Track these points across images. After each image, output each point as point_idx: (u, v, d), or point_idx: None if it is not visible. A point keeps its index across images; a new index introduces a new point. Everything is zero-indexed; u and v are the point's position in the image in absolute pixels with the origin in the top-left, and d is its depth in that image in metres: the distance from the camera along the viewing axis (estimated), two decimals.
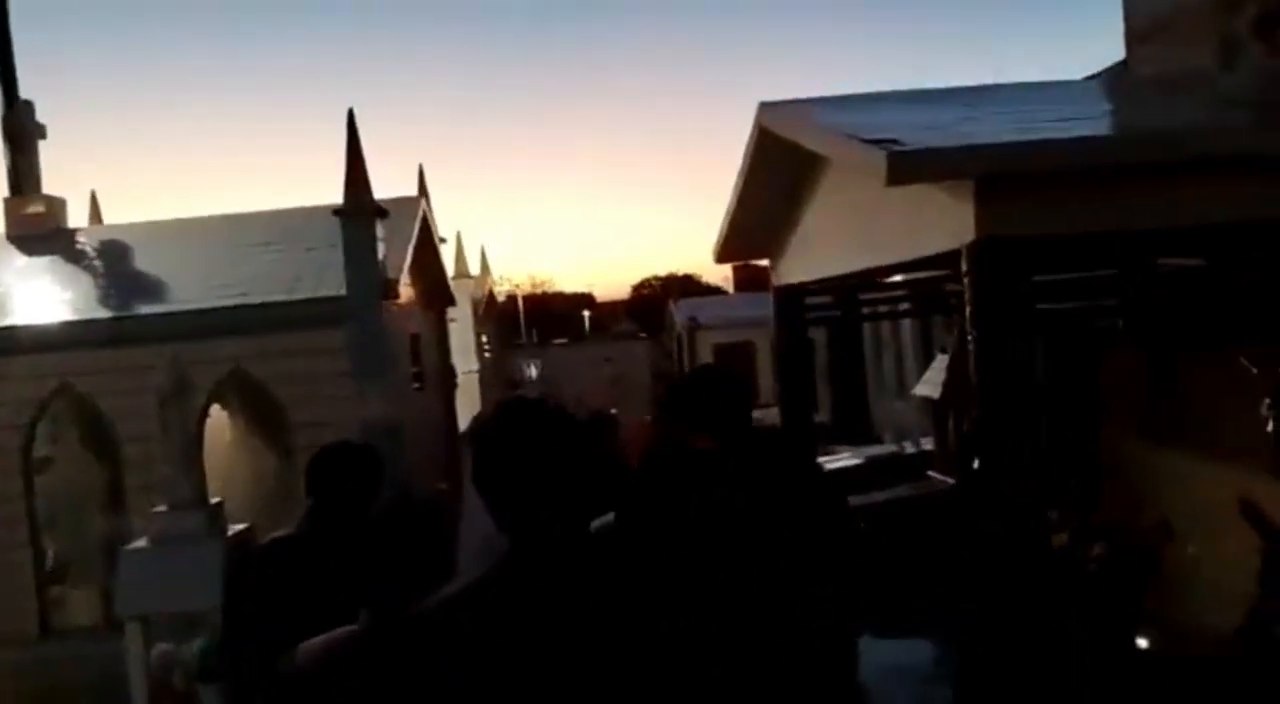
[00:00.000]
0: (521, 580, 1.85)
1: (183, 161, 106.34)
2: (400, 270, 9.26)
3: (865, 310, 9.40)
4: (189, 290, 9.11)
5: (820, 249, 7.03)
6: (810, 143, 6.01)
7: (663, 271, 62.69)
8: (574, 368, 29.27)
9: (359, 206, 8.60)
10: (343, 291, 8.58)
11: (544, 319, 47.70)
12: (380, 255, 8.80)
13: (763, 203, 7.50)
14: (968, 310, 4.21)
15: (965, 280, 4.20)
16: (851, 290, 8.60)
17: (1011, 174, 4.08)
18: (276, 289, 8.98)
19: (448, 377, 12.01)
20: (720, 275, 59.93)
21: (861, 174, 4.79)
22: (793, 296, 7.99)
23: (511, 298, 40.88)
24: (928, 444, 11.04)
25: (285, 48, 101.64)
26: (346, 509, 3.44)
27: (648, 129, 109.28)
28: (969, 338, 4.25)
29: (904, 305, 9.28)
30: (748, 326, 23.65)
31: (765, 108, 6.73)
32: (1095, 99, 6.52)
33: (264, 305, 8.74)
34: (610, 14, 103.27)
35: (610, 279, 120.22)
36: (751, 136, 7.01)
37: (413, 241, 9.91)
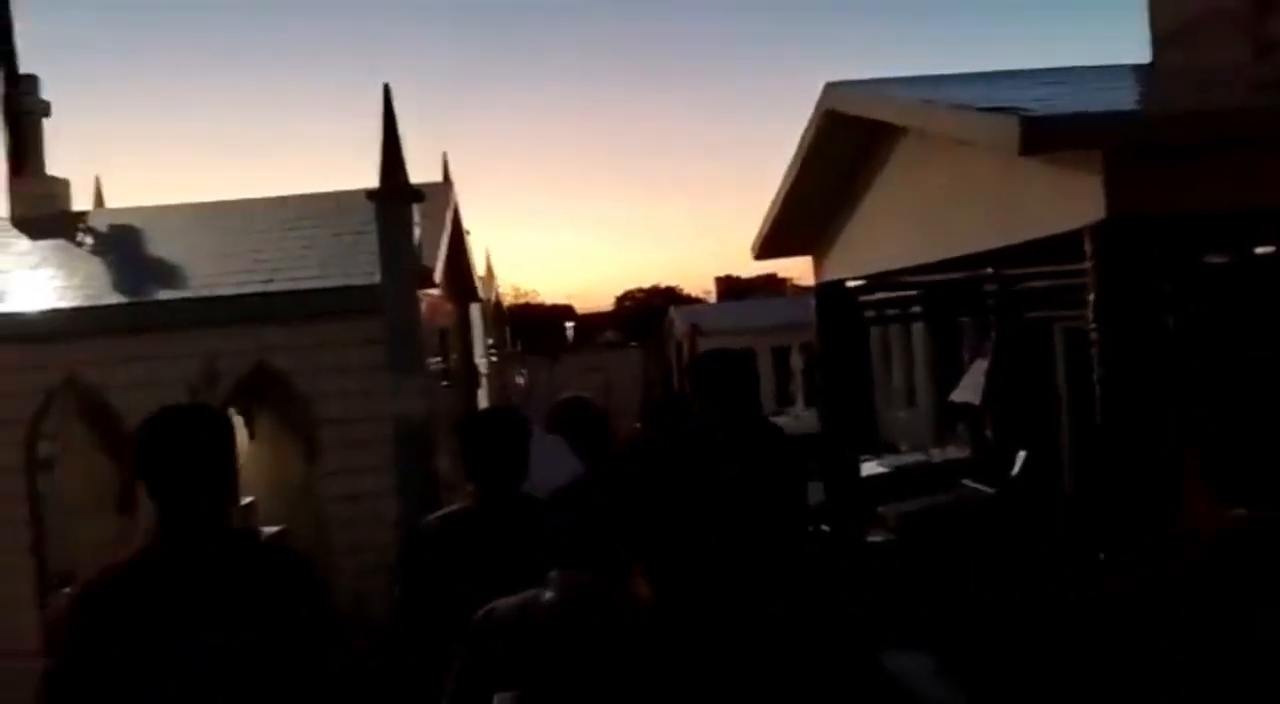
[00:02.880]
0: None
1: (194, 148, 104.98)
2: (436, 259, 8.67)
3: (892, 311, 9.09)
4: (207, 276, 8.47)
5: (882, 241, 6.71)
6: (908, 119, 5.66)
7: (646, 284, 62.95)
8: (563, 377, 28.91)
9: (395, 189, 8.01)
10: (375, 279, 7.98)
11: (528, 330, 47.77)
12: (416, 242, 8.22)
13: (816, 194, 7.17)
14: (1091, 299, 3.85)
15: (1091, 265, 3.84)
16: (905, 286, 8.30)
17: (1150, 146, 3.74)
18: (304, 276, 8.36)
19: (472, 375, 11.39)
20: (702, 288, 60.24)
21: (968, 149, 4.58)
22: (840, 293, 7.68)
23: (499, 308, 40.92)
24: (952, 453, 10.83)
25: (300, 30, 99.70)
26: (512, 480, 3.38)
27: (629, 141, 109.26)
28: (1091, 329, 3.86)
29: (916, 308, 8.87)
30: (748, 333, 23.62)
31: (833, 88, 6.45)
32: (1174, 81, 6.14)
33: (291, 293, 8.11)
34: (585, 27, 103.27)
35: (591, 292, 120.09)
36: (812, 122, 6.71)
37: (447, 229, 9.31)
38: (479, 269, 19.06)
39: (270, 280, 8.23)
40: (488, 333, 18.63)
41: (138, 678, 2.41)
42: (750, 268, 62.71)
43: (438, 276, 8.64)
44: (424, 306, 8.33)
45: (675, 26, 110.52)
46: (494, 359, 19.63)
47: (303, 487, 8.59)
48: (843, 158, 6.77)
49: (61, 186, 10.31)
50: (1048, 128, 3.74)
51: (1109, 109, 4.36)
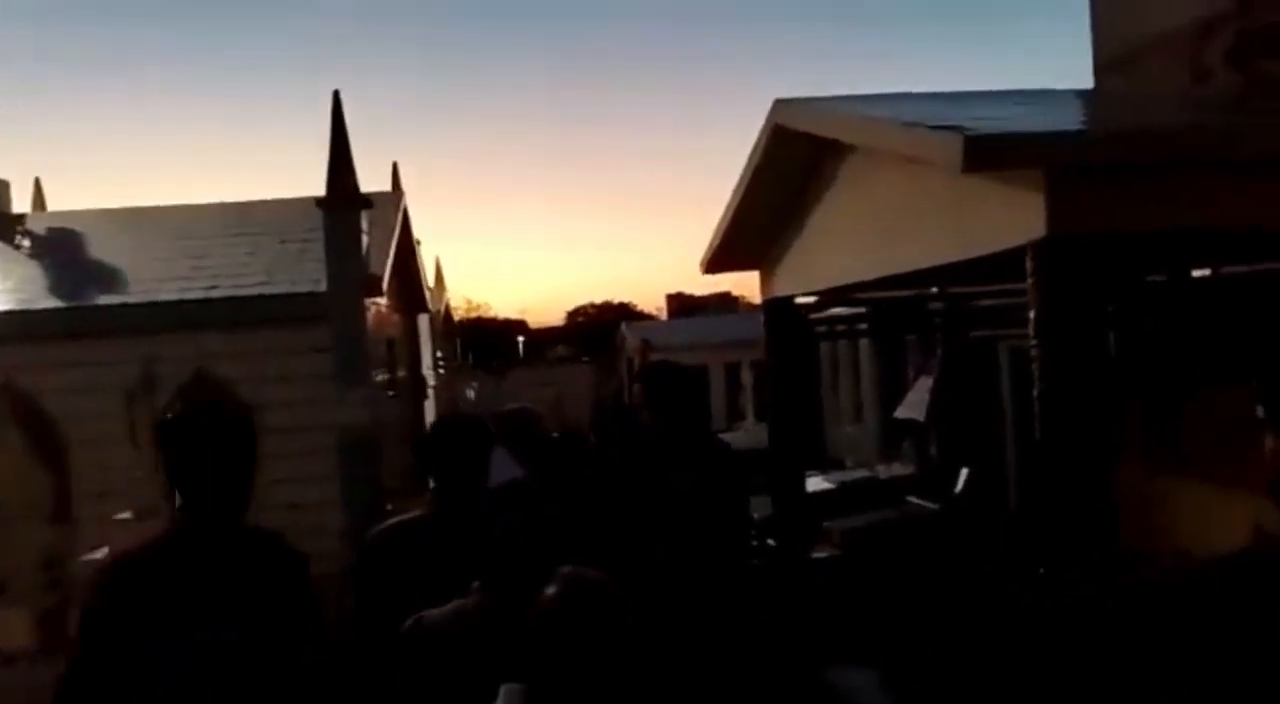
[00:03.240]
0: None
1: (140, 152, 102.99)
2: (384, 267, 8.57)
3: (840, 327, 9.13)
4: (148, 281, 8.31)
5: (829, 257, 6.73)
6: (855, 136, 5.70)
7: (598, 299, 62.88)
8: (512, 390, 28.75)
9: (343, 196, 7.93)
10: (321, 287, 7.87)
11: (479, 343, 47.54)
12: (364, 250, 8.12)
13: (764, 208, 7.16)
14: (1032, 315, 3.87)
15: (1032, 282, 3.85)
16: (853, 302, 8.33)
17: (1091, 165, 3.75)
18: (248, 283, 8.23)
19: (419, 387, 11.28)
20: (654, 305, 60.42)
21: (915, 166, 4.60)
22: (788, 309, 7.69)
23: (449, 322, 40.71)
24: (898, 470, 10.88)
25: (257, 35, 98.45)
26: (470, 487, 3.37)
27: (584, 155, 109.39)
28: (1032, 346, 3.88)
29: (862, 325, 8.95)
30: (700, 349, 23.63)
31: (783, 105, 6.48)
32: (1117, 103, 6.26)
33: (234, 299, 7.97)
34: (540, 38, 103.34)
35: (543, 307, 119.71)
36: (762, 136, 6.73)
37: (396, 238, 9.22)
38: (429, 280, 18.94)
39: (214, 287, 8.09)
40: (436, 345, 18.46)
41: (142, 666, 2.40)
42: (703, 285, 62.99)
43: (385, 285, 8.54)
44: (371, 315, 8.23)
45: (631, 39, 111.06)
46: (442, 371, 19.47)
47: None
48: (792, 173, 6.74)
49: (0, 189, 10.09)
50: (991, 146, 3.76)
51: (1051, 128, 4.39)
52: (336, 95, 7.96)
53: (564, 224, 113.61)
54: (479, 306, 61.37)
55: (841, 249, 6.51)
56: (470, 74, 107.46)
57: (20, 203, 10.62)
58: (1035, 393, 3.88)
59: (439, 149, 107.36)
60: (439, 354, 19.28)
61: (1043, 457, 3.94)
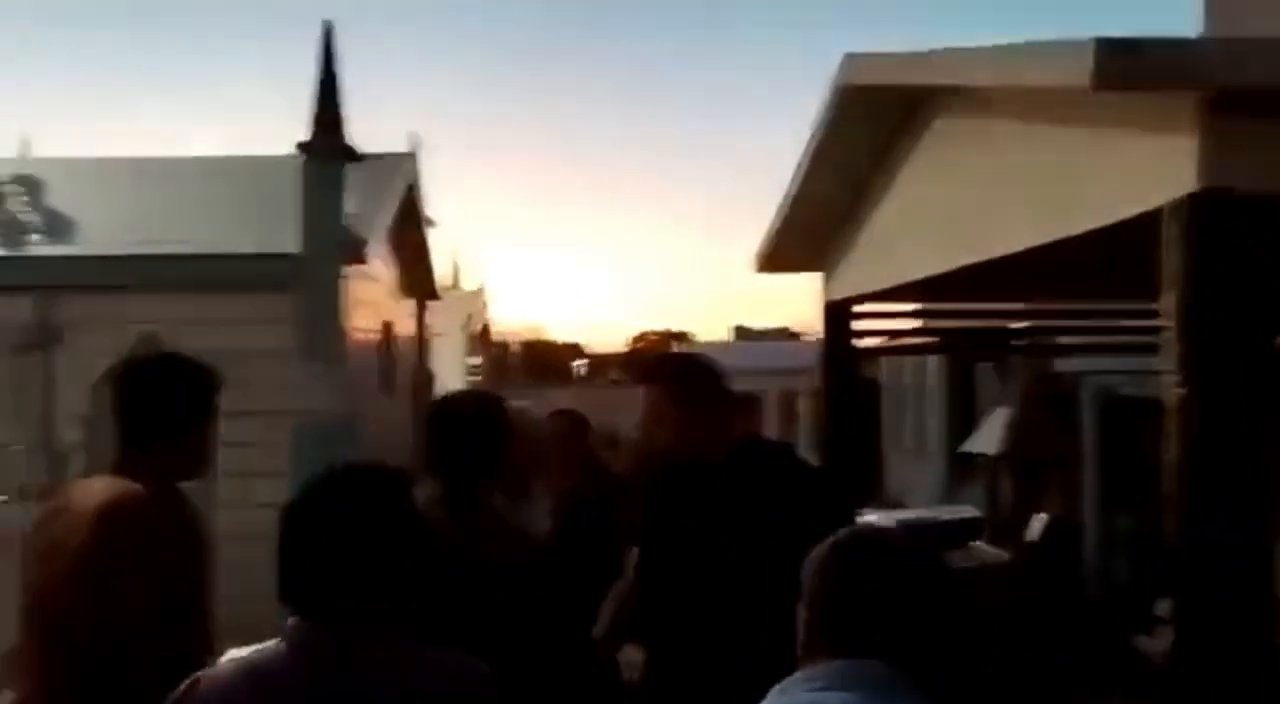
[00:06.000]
0: None
1: (139, 106, 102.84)
2: (372, 233, 7.41)
3: (901, 341, 8.07)
4: (96, 234, 7.21)
5: (903, 246, 5.81)
6: (950, 72, 4.58)
7: (660, 327, 62.99)
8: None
9: (327, 143, 6.78)
10: (293, 248, 6.72)
11: (537, 365, 47.51)
12: (347, 209, 6.97)
13: (826, 194, 6.13)
14: (1173, 298, 2.70)
15: (1168, 259, 2.71)
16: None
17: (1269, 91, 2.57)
18: (215, 241, 7.11)
19: (423, 379, 10.06)
20: (716, 337, 60.24)
21: (1017, 123, 3.76)
22: (850, 315, 6.68)
23: (505, 342, 41.25)
24: (962, 511, 10.01)
25: None
26: (477, 479, 2.74)
27: (650, 184, 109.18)
28: (1169, 378, 2.69)
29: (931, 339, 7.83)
30: (755, 376, 23.03)
31: (853, 60, 5.41)
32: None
33: (186, 258, 6.84)
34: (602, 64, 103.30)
35: (603, 334, 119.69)
36: (825, 104, 5.66)
37: (396, 203, 8.05)
38: (467, 284, 18.05)
39: (169, 242, 6.97)
40: (470, 351, 17.54)
41: None
42: (764, 318, 61.94)
43: (373, 257, 7.37)
44: (358, 288, 7.07)
45: (704, 66, 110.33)
46: (475, 379, 18.51)
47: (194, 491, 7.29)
48: (860, 147, 5.66)
49: None
50: (1130, 50, 2.57)
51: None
52: (328, 27, 6.86)
53: (628, 250, 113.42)
54: (537, 329, 61.65)
55: (918, 236, 5.64)
56: (537, 93, 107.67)
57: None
58: (1169, 431, 2.63)
59: (510, 177, 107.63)
60: (472, 362, 18.37)
61: (1183, 528, 2.69)
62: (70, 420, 6.15)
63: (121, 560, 2.09)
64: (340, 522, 1.66)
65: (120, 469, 2.27)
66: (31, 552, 2.24)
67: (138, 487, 2.18)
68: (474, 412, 2.81)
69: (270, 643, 1.64)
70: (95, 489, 2.23)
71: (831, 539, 1.67)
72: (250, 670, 1.63)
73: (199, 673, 1.71)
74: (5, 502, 4.88)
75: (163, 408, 2.36)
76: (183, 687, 1.66)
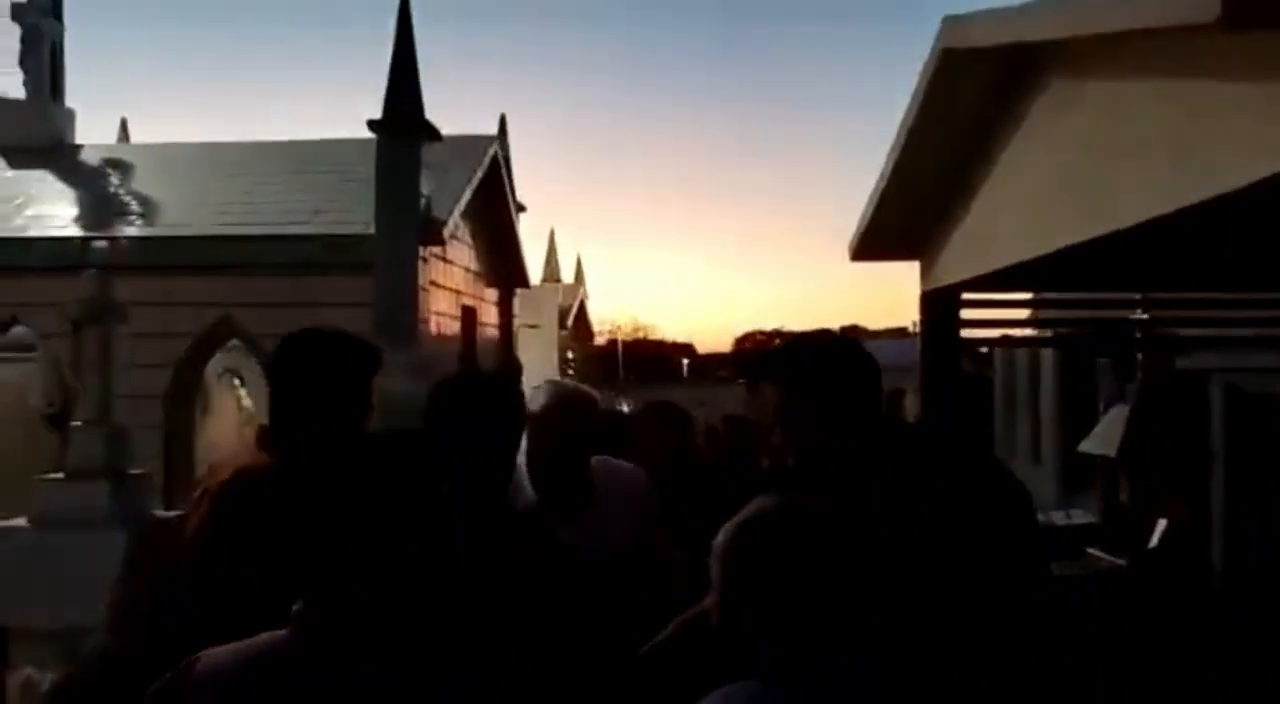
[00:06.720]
0: None
1: (239, 90, 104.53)
2: (451, 214, 7.19)
3: (1011, 333, 7.52)
4: (183, 216, 7.16)
5: (1011, 224, 5.24)
6: (1067, 23, 4.14)
7: (768, 327, 62.38)
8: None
9: (403, 120, 6.59)
10: (371, 230, 6.55)
11: (643, 363, 47.37)
12: (425, 189, 6.77)
13: (926, 172, 5.67)
14: None
15: None
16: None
17: None
18: (291, 221, 6.99)
19: (509, 368, 9.83)
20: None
21: (1141, 82, 3.16)
22: (954, 302, 6.17)
23: (612, 340, 41.19)
24: (1077, 517, 9.39)
25: None
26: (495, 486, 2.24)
27: (764, 187, 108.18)
28: None
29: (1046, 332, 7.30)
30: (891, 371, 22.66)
31: (953, 22, 4.93)
32: None
33: (264, 239, 6.73)
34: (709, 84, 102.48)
35: (712, 333, 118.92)
36: (925, 72, 5.19)
37: (474, 183, 7.82)
38: (566, 277, 17.83)
39: (248, 224, 6.87)
40: (565, 345, 17.32)
41: None
42: (877, 320, 60.77)
43: (453, 238, 7.17)
44: (437, 271, 6.87)
45: (819, 70, 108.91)
46: (570, 373, 18.30)
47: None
48: (964, 120, 5.28)
49: (64, 117, 9.28)
50: None
51: None
52: (405, 3, 6.66)
53: (740, 252, 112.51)
54: (644, 328, 61.53)
55: (1029, 212, 5.06)
56: (652, 97, 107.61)
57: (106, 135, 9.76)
58: None
59: (614, 181, 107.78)
60: (569, 355, 18.17)
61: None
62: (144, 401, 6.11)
63: None
64: (348, 508, 1.58)
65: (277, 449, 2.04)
66: None
67: None
68: (481, 396, 2.32)
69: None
70: None
71: (737, 519, 1.57)
72: (252, 654, 1.56)
73: (198, 654, 1.60)
74: (60, 479, 4.77)
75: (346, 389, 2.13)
76: (179, 666, 1.56)
